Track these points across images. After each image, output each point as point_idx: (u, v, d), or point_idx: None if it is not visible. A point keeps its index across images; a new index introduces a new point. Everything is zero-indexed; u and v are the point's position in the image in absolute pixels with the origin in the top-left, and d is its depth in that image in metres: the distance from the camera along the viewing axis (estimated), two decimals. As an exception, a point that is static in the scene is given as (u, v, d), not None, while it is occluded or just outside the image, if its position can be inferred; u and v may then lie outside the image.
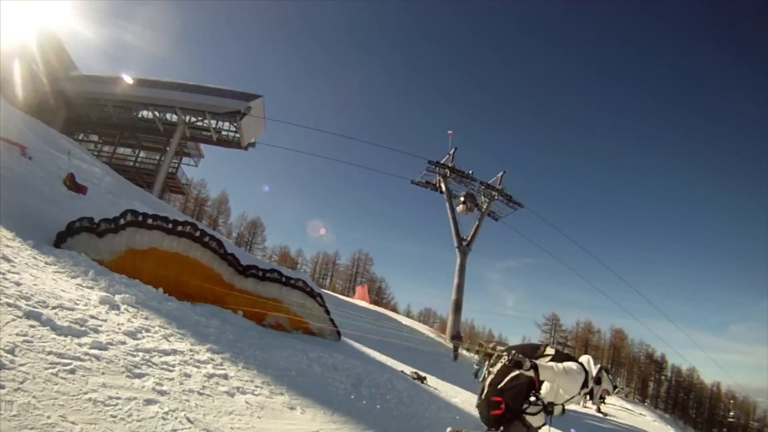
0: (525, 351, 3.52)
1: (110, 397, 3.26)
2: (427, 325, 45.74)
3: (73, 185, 11.71)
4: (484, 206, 33.89)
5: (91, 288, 5.56)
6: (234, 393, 4.50)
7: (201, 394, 4.12)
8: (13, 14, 20.84)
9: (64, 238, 7.41)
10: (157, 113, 29.62)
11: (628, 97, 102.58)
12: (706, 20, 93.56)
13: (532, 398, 3.41)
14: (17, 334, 3.38)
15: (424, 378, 10.37)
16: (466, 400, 10.86)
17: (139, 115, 30.50)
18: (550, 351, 3.63)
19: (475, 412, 9.57)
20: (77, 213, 8.05)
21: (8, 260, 4.98)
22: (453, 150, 34.04)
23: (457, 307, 31.32)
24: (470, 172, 33.74)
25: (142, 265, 7.67)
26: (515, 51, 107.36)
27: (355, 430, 5.11)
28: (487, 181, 34.27)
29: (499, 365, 3.63)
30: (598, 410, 15.39)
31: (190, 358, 4.80)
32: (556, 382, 3.38)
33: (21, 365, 3.04)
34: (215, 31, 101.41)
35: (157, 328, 5.17)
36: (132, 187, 20.50)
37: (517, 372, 3.42)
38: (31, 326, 3.62)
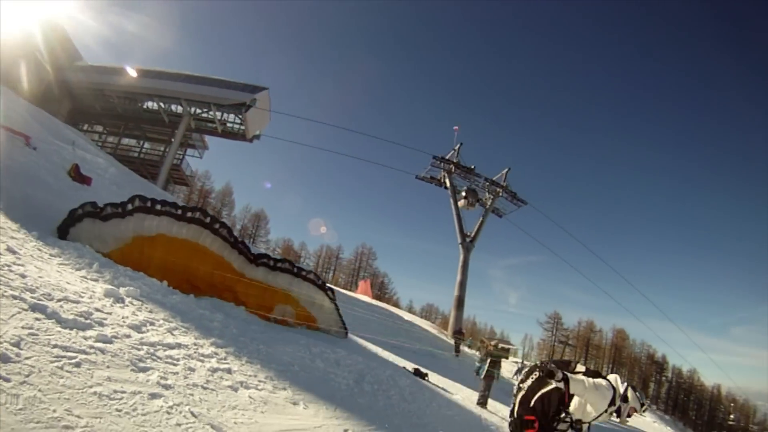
0: (556, 365, 3.48)
1: (115, 391, 3.26)
2: (429, 320, 45.78)
3: (78, 176, 11.73)
4: (489, 203, 33.85)
5: (96, 280, 5.57)
6: (238, 387, 4.50)
7: (205, 388, 4.12)
8: (18, 4, 20.81)
9: (67, 229, 7.30)
10: (162, 104, 29.62)
11: (634, 96, 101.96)
12: (711, 20, 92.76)
13: (562, 414, 3.38)
14: (23, 327, 3.37)
15: (426, 374, 10.39)
16: (467, 397, 10.90)
17: (144, 106, 30.52)
18: (580, 368, 3.59)
19: (476, 410, 9.60)
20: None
21: (13, 252, 4.98)
22: (458, 146, 34.01)
23: (460, 303, 31.39)
24: (473, 167, 33.66)
25: (150, 252, 7.56)
26: (521, 48, 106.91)
27: (358, 425, 5.11)
28: (492, 178, 34.21)
29: (530, 381, 3.59)
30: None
31: (195, 352, 4.80)
32: (585, 396, 3.34)
33: (27, 358, 3.04)
34: (221, 24, 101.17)
35: (161, 322, 5.17)
36: (136, 178, 20.57)
37: (548, 388, 3.39)
38: (37, 319, 3.61)
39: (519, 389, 3.67)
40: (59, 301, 4.19)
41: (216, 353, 5.10)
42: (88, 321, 4.10)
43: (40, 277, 4.57)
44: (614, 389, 3.42)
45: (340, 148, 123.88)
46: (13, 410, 2.51)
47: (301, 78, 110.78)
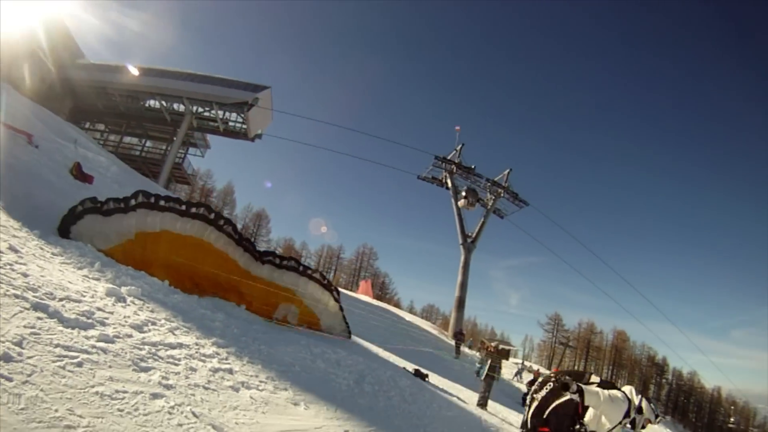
0: (574, 376, 3.47)
1: (117, 391, 3.26)
2: (430, 321, 45.83)
3: (80, 174, 11.73)
4: (490, 203, 33.84)
5: (98, 279, 5.57)
6: (239, 388, 4.50)
7: (206, 388, 4.12)
8: (21, 1, 20.79)
9: (68, 227, 7.23)
10: (164, 103, 29.61)
11: (636, 97, 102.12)
12: (715, 20, 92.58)
13: (576, 426, 3.36)
14: (25, 326, 3.37)
15: (426, 375, 10.39)
16: (467, 399, 10.89)
17: (146, 105, 30.50)
18: (595, 379, 3.59)
19: (476, 411, 9.58)
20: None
21: (15, 251, 4.98)
22: (460, 146, 34.03)
23: (461, 304, 31.40)
24: (473, 166, 33.66)
25: (153, 248, 7.50)
26: (524, 47, 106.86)
27: (358, 426, 5.11)
28: (494, 178, 34.21)
29: (543, 392, 3.58)
30: None
31: (196, 352, 4.80)
32: (601, 408, 3.32)
33: (29, 358, 3.04)
34: (223, 22, 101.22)
35: (163, 321, 5.17)
36: (138, 177, 20.55)
37: (562, 399, 3.37)
38: (39, 318, 3.61)
39: (533, 399, 3.65)
40: (61, 300, 4.19)
41: (217, 353, 5.10)
42: (90, 320, 4.10)
43: (42, 276, 4.57)
44: (629, 401, 3.40)
45: (342, 148, 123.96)
46: (15, 410, 2.51)
47: (303, 77, 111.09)
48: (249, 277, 8.46)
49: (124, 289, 5.44)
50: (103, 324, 4.19)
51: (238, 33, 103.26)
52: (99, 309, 4.47)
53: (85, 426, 2.69)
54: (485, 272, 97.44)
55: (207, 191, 56.08)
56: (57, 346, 3.38)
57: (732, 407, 60.11)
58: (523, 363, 32.24)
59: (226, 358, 5.09)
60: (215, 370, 4.59)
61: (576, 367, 62.89)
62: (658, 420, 3.63)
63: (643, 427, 3.51)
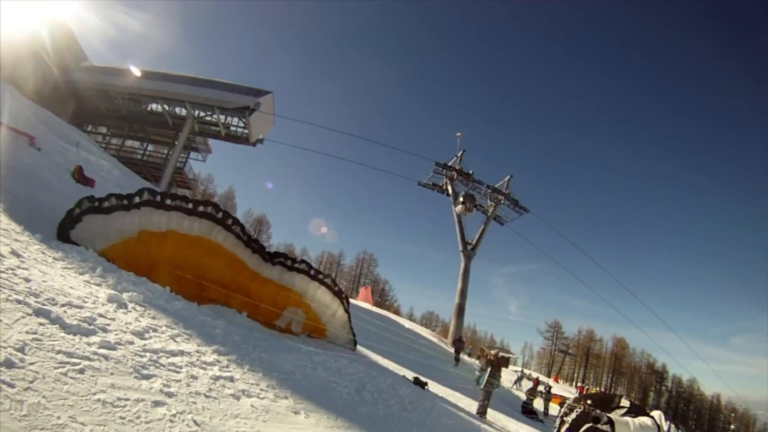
0: (600, 401, 3.45)
1: (119, 398, 3.25)
2: (429, 328, 45.73)
3: (81, 178, 11.76)
4: (490, 210, 33.86)
5: (99, 285, 5.55)
6: (240, 396, 4.48)
7: (207, 396, 4.10)
8: (25, 3, 20.86)
9: (67, 232, 7.09)
10: (166, 106, 29.68)
11: (637, 104, 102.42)
12: (718, 28, 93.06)
13: None
14: (27, 332, 3.37)
15: (426, 383, 10.34)
16: (467, 407, 10.85)
17: (149, 108, 30.56)
18: (624, 403, 3.56)
19: (476, 419, 9.53)
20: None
21: (17, 255, 4.98)
22: (461, 152, 34.12)
23: (460, 311, 31.33)
24: (471, 171, 33.70)
25: (159, 248, 7.38)
26: (525, 55, 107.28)
27: (358, 435, 5.10)
28: (494, 185, 34.25)
29: (573, 415, 3.56)
30: None
31: (197, 360, 4.78)
32: None
33: (31, 364, 3.03)
34: (225, 27, 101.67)
35: (164, 328, 5.15)
36: (139, 181, 20.58)
37: (591, 425, 3.35)
38: (41, 324, 3.61)
39: (562, 423, 3.64)
40: (63, 306, 4.18)
41: (218, 361, 5.08)
42: (92, 327, 4.09)
43: (43, 281, 4.56)
44: (659, 427, 3.38)
45: (343, 153, 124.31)
46: (18, 416, 2.51)
47: (304, 79, 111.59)
48: (258, 279, 8.28)
49: (125, 296, 5.43)
50: (104, 330, 4.18)
51: (239, 33, 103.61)
52: (101, 315, 4.46)
53: (87, 434, 2.68)
54: (485, 279, 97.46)
55: (208, 196, 56.09)
56: (59, 352, 3.37)
57: (732, 414, 59.96)
58: (522, 371, 32.15)
59: (227, 366, 5.07)
60: (216, 378, 4.57)
61: (575, 375, 62.73)
62: None
63: None
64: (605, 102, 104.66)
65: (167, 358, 4.41)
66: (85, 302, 4.59)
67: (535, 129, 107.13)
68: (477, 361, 21.84)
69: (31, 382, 2.86)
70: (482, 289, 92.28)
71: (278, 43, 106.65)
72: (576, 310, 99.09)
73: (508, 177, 34.52)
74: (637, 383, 62.36)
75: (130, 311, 5.11)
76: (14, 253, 4.94)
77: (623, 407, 3.50)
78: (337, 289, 9.33)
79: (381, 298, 58.24)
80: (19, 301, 3.74)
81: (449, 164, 34.02)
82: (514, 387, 24.29)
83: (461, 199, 32.87)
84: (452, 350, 25.17)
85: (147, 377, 3.80)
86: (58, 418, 2.68)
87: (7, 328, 3.28)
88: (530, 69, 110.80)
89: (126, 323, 4.66)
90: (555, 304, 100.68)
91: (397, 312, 52.56)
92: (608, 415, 3.28)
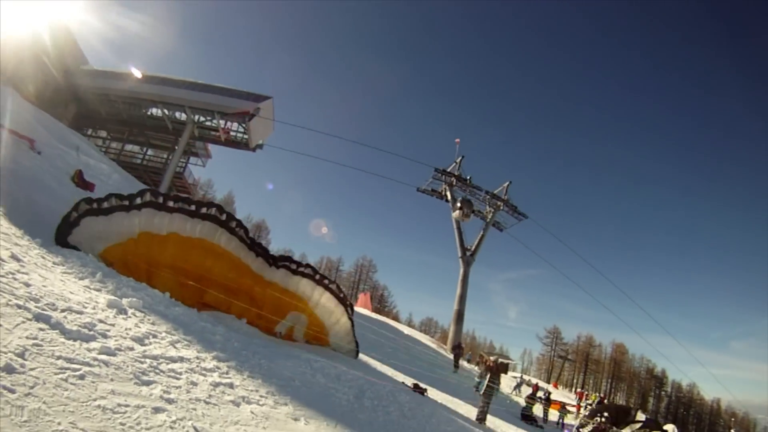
0: (618, 414, 3.47)
1: (119, 405, 3.24)
2: (428, 335, 45.61)
3: (81, 182, 11.77)
4: (489, 216, 33.86)
5: (99, 290, 5.54)
6: (239, 402, 4.47)
7: (207, 402, 4.09)
8: (27, 5, 20.90)
9: (65, 238, 7.04)
10: (166, 111, 29.67)
11: (636, 109, 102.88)
12: (721, 32, 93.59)
13: None
14: (27, 338, 3.37)
15: (425, 390, 10.30)
16: (467, 413, 10.79)
17: (149, 113, 30.56)
18: (641, 416, 3.59)
19: (475, 426, 9.49)
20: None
21: (17, 259, 4.98)
22: (460, 158, 34.14)
23: (459, 317, 31.25)
24: (469, 177, 33.73)
25: (160, 250, 7.31)
26: (525, 59, 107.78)
27: (358, 443, 5.08)
28: (493, 191, 34.27)
29: (590, 427, 3.58)
30: None
31: (197, 366, 4.77)
32: None
33: (31, 369, 3.03)
34: (225, 28, 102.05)
35: (164, 334, 5.14)
36: (139, 185, 20.55)
37: None
38: (41, 329, 3.60)
39: None
40: (63, 311, 4.18)
41: (218, 367, 5.07)
42: (92, 332, 4.09)
43: (44, 286, 4.56)
44: None
45: (342, 159, 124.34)
46: (18, 422, 2.50)
47: (304, 83, 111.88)
48: (261, 282, 8.19)
49: (125, 301, 5.42)
50: (104, 336, 4.18)
51: (239, 34, 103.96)
52: (101, 321, 4.46)
53: (87, 441, 2.68)
54: (484, 285, 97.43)
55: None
56: (59, 358, 3.37)
57: (732, 418, 59.77)
58: (522, 377, 32.05)
59: (227, 373, 5.06)
60: (216, 385, 4.56)
61: (575, 381, 62.55)
62: None
63: None
64: (604, 106, 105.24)
65: (167, 364, 4.40)
66: (85, 307, 4.59)
67: (534, 133, 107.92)
68: (476, 368, 21.77)
69: (32, 387, 2.86)
70: (481, 295, 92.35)
71: (278, 43, 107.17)
72: (575, 315, 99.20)
73: (507, 183, 34.59)
74: (636, 388, 62.21)
75: (129, 317, 5.10)
76: (14, 258, 4.95)
77: (639, 421, 3.52)
78: (342, 295, 9.21)
79: (380, 304, 58.13)
80: (19, 306, 3.74)
81: (448, 170, 34.05)
82: (514, 393, 24.20)
83: (458, 204, 32.86)
84: (451, 356, 25.10)
85: (147, 383, 3.80)
86: (59, 424, 2.68)
87: (8, 333, 3.28)
88: (530, 72, 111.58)
89: (126, 329, 4.66)
90: (554, 309, 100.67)
91: (396, 318, 52.45)
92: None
